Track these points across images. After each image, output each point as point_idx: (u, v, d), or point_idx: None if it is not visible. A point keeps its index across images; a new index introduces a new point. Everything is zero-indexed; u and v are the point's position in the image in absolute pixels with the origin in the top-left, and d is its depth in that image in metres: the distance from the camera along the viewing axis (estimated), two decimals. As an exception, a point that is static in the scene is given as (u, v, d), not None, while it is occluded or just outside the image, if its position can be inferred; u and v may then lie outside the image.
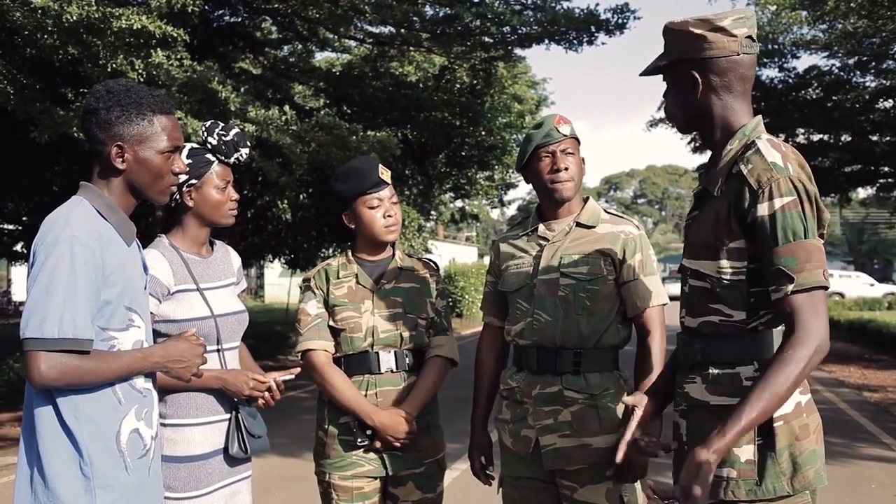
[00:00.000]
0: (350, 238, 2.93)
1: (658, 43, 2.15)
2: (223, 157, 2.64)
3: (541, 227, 2.73)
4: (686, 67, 2.02)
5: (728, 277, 1.96)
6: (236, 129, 2.67)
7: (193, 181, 2.59)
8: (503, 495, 2.76)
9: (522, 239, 2.77)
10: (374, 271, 2.86)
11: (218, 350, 2.58)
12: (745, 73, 2.01)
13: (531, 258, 2.70)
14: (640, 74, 2.20)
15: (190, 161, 2.57)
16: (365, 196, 2.79)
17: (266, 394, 2.60)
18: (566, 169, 2.66)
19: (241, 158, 2.67)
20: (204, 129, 2.67)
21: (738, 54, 1.98)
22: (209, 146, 2.63)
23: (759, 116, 2.06)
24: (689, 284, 2.07)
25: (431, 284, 2.92)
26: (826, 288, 1.85)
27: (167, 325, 2.48)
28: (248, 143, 2.72)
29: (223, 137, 2.63)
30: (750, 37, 1.99)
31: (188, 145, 2.63)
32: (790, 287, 1.84)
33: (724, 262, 1.96)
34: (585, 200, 2.76)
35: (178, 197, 2.59)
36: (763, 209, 1.87)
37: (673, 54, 2.06)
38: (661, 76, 2.17)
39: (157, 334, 2.41)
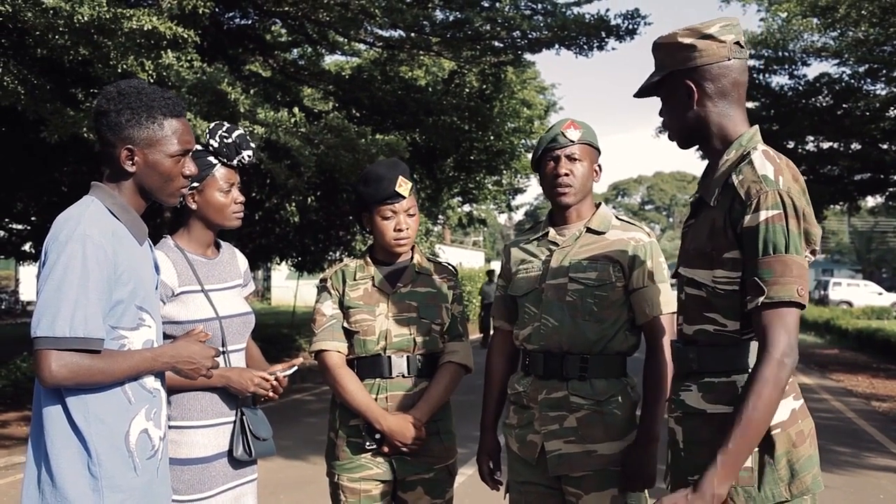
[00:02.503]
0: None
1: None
2: (225, 160, 2.62)
3: (551, 231, 2.72)
4: (680, 78, 2.05)
5: (723, 287, 1.97)
6: (239, 131, 2.65)
7: (195, 184, 2.58)
8: (510, 501, 2.75)
9: (533, 243, 2.76)
10: (391, 274, 2.86)
11: (223, 352, 2.56)
12: (737, 79, 2.04)
13: (540, 263, 2.69)
14: (635, 96, 2.22)
15: None
16: (380, 206, 2.78)
17: (270, 392, 2.58)
18: (566, 175, 2.65)
19: (244, 160, 2.65)
20: (207, 130, 2.65)
21: (729, 59, 2.02)
22: (211, 149, 2.62)
23: (756, 126, 2.08)
24: (686, 292, 2.09)
25: (448, 289, 2.91)
26: (800, 305, 1.86)
27: (172, 326, 2.47)
28: (253, 145, 2.70)
29: (225, 140, 2.61)
30: (738, 43, 2.03)
31: None
32: (760, 299, 1.86)
33: (720, 272, 1.97)
34: (598, 206, 2.75)
35: (182, 199, 2.58)
36: (749, 220, 1.89)
37: (665, 68, 2.09)
38: (655, 98, 2.19)
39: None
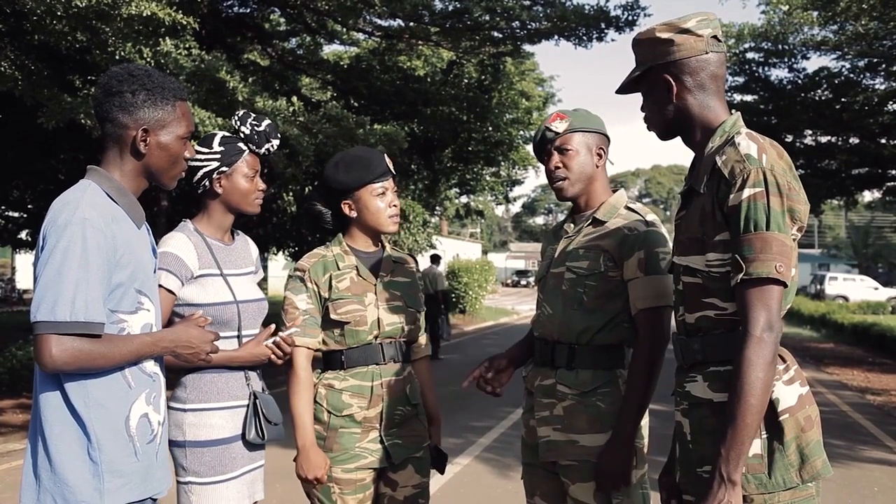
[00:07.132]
0: (338, 230, 2.90)
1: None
2: (254, 147, 2.68)
3: (568, 220, 2.73)
4: (659, 73, 2.10)
5: (717, 270, 1.99)
6: (268, 121, 2.72)
7: (224, 168, 2.63)
8: (523, 482, 2.76)
9: (557, 230, 2.79)
10: (369, 263, 2.86)
11: (237, 336, 2.60)
12: (715, 71, 2.08)
13: (553, 250, 2.71)
14: (617, 92, 2.25)
15: (222, 148, 2.63)
16: (372, 185, 2.78)
17: (276, 349, 2.61)
18: (556, 168, 2.65)
19: (271, 150, 2.72)
20: (237, 118, 2.71)
21: (706, 52, 2.06)
22: (242, 135, 2.67)
23: (738, 113, 2.11)
24: (683, 281, 2.10)
25: (417, 278, 2.99)
26: (780, 283, 1.87)
27: (190, 308, 2.50)
28: (279, 136, 2.77)
29: (256, 127, 2.67)
30: (715, 37, 2.07)
31: (220, 133, 2.69)
32: (740, 276, 1.88)
33: (712, 255, 1.99)
34: (615, 191, 2.71)
35: (206, 183, 2.63)
36: (732, 199, 1.92)
37: (645, 63, 2.13)
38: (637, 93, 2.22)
39: (178, 317, 2.45)
